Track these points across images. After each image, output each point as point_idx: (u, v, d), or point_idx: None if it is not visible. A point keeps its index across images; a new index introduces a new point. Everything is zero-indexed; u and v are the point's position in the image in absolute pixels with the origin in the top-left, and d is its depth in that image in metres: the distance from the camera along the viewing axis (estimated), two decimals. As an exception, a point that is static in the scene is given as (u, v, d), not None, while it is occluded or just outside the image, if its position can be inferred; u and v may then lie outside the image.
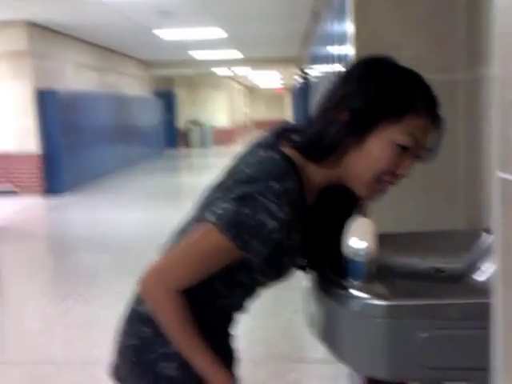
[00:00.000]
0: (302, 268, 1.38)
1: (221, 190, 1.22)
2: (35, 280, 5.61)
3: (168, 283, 1.19)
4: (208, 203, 1.24)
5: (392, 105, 1.16)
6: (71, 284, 5.33)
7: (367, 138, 1.17)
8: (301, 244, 1.27)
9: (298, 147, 1.22)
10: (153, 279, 1.21)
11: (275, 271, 1.28)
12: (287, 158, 1.19)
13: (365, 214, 1.34)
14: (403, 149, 1.17)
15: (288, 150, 1.22)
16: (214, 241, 1.16)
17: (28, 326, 4.28)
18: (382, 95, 1.17)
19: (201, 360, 1.22)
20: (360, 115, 1.17)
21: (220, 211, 1.16)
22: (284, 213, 1.14)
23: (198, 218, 1.26)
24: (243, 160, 1.25)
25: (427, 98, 1.19)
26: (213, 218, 1.16)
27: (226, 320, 1.38)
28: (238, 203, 1.14)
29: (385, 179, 1.20)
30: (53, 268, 6.32)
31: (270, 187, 1.14)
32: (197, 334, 1.21)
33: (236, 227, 1.14)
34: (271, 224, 1.13)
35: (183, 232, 1.30)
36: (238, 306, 1.37)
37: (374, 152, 1.18)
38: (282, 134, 1.27)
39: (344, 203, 1.33)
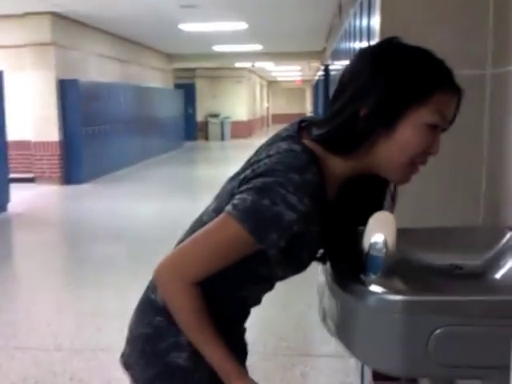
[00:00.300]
0: (322, 260, 1.35)
1: (240, 181, 1.20)
2: (49, 267, 5.66)
3: (183, 274, 1.17)
4: (227, 195, 1.22)
5: (415, 88, 1.14)
6: (84, 272, 5.36)
7: (396, 126, 1.15)
8: (321, 237, 1.25)
9: (319, 140, 1.20)
10: (168, 269, 1.18)
11: (295, 265, 1.26)
12: (308, 150, 1.17)
13: (395, 202, 1.31)
14: (434, 127, 1.17)
15: (309, 143, 1.19)
16: (231, 232, 1.14)
17: (40, 312, 4.32)
18: (403, 81, 1.14)
19: (214, 353, 1.20)
20: (385, 106, 1.14)
21: (238, 202, 1.13)
22: (304, 205, 1.11)
23: (216, 210, 1.24)
24: (263, 152, 1.23)
25: (446, 74, 1.18)
26: (230, 209, 1.14)
27: (242, 313, 1.36)
28: (257, 194, 1.12)
29: (418, 160, 1.19)
30: (67, 256, 6.37)
31: (290, 179, 1.11)
32: (211, 327, 1.19)
33: (254, 218, 1.11)
34: (290, 216, 1.11)
35: (201, 223, 1.27)
36: (255, 300, 1.35)
37: (406, 137, 1.16)
38: (303, 126, 1.25)
39: (367, 195, 1.31)
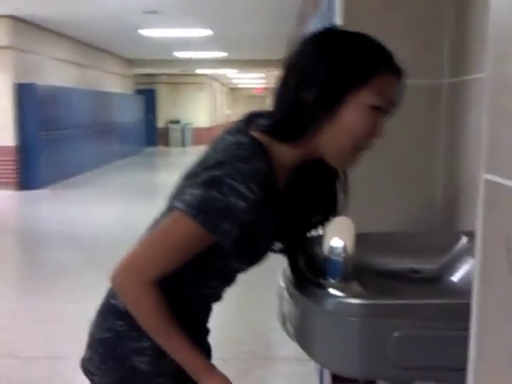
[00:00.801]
0: (281, 251, 1.36)
1: (190, 177, 1.20)
2: (3, 273, 5.51)
3: (140, 275, 1.16)
4: (178, 192, 1.22)
5: (354, 71, 1.16)
6: (39, 279, 5.25)
7: (339, 109, 1.16)
8: (276, 227, 1.25)
9: (266, 130, 1.21)
10: (124, 272, 1.18)
11: (251, 256, 1.26)
12: (256, 141, 1.18)
13: (347, 193, 1.32)
14: (377, 109, 1.18)
15: (256, 134, 1.21)
16: (184, 227, 1.14)
17: (-5, 320, 4.20)
18: (342, 64, 1.16)
19: (181, 352, 1.19)
20: (327, 90, 1.16)
21: (188, 197, 1.14)
22: (253, 193, 1.12)
23: (169, 208, 1.24)
24: (212, 147, 1.24)
25: (385, 55, 1.20)
26: (181, 205, 1.14)
27: (204, 311, 1.35)
28: (206, 187, 1.13)
29: (362, 146, 1.20)
30: (21, 263, 6.22)
31: (238, 169, 1.13)
32: (175, 326, 1.18)
33: (205, 211, 1.12)
34: (241, 205, 1.12)
35: (156, 223, 1.28)
36: (216, 296, 1.34)
37: (349, 121, 1.17)
38: (250, 119, 1.26)
39: (318, 185, 1.32)
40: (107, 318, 1.30)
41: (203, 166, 1.18)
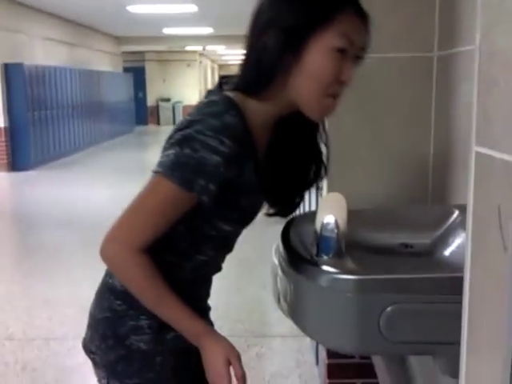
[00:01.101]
0: (276, 214, 1.34)
1: (166, 142, 1.20)
2: (-2, 256, 5.51)
3: (128, 243, 1.15)
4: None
5: (317, 10, 1.15)
6: (35, 261, 5.24)
7: (304, 53, 1.15)
8: (261, 184, 1.24)
9: (236, 87, 1.21)
10: (109, 243, 1.17)
11: (236, 215, 1.25)
12: (226, 97, 1.18)
13: (329, 148, 1.32)
14: (341, 52, 1.16)
15: (229, 93, 1.20)
16: (161, 189, 1.14)
17: (-10, 303, 4.21)
18: (305, 3, 1.16)
19: (177, 316, 1.19)
20: (289, 31, 1.15)
21: (163, 159, 1.14)
22: (227, 147, 1.11)
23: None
24: (188, 113, 1.24)
25: None
26: (157, 168, 1.14)
27: (204, 284, 1.35)
28: (178, 147, 1.13)
29: (331, 91, 1.18)
30: (16, 244, 6.21)
31: (208, 124, 1.12)
32: (168, 291, 1.18)
33: (179, 169, 1.12)
34: (214, 159, 1.11)
35: None
36: (214, 265, 1.33)
37: (314, 64, 1.16)
38: (222, 82, 1.26)
39: (300, 136, 1.30)
40: (105, 297, 1.30)
41: (176, 128, 1.18)
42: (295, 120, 1.26)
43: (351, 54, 1.17)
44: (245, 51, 1.22)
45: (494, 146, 0.79)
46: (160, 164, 1.14)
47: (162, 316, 1.20)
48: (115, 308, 1.27)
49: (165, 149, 1.18)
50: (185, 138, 1.13)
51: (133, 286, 1.19)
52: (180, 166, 1.12)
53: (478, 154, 0.85)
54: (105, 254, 1.17)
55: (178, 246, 1.23)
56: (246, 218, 1.28)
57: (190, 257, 1.26)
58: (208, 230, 1.23)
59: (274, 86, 1.18)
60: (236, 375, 1.19)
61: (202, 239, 1.25)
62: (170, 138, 1.18)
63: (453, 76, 1.88)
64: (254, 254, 4.52)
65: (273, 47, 1.15)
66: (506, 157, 0.75)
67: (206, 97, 1.23)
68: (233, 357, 1.19)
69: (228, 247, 1.33)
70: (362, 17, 1.19)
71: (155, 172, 1.14)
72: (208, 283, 1.36)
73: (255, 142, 1.20)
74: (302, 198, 1.36)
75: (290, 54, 1.15)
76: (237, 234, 1.31)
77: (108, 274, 1.31)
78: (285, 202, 1.34)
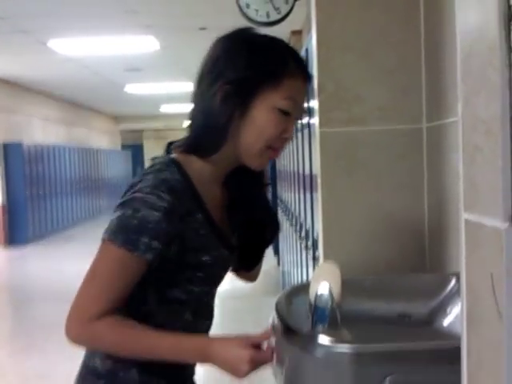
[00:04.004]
0: (237, 269, 1.35)
1: None
2: (-8, 333, 5.41)
3: (84, 318, 1.14)
4: None
5: (267, 69, 1.18)
6: (30, 336, 5.16)
7: (250, 108, 1.18)
8: (217, 238, 1.23)
9: (182, 150, 1.23)
10: (70, 322, 1.17)
11: (200, 273, 1.23)
12: (167, 158, 1.21)
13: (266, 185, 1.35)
14: (286, 113, 1.19)
15: (174, 154, 1.23)
16: (109, 255, 1.14)
17: (-17, 382, 4.10)
18: (255, 61, 1.18)
19: (170, 352, 1.15)
20: (237, 86, 1.17)
21: (108, 225, 1.16)
22: (165, 201, 1.12)
23: None
24: None
25: (297, 59, 1.22)
26: (104, 234, 1.15)
27: None
28: (120, 210, 1.14)
29: (274, 146, 1.21)
30: (11, 320, 6.12)
31: (147, 182, 1.13)
32: (149, 334, 1.15)
33: (122, 232, 1.12)
34: (155, 215, 1.11)
35: None
36: (196, 331, 1.29)
37: (259, 121, 1.18)
38: (169, 147, 1.29)
39: (249, 188, 1.32)
40: (87, 380, 1.27)
41: (121, 195, 1.20)
42: (241, 171, 1.28)
43: (295, 114, 1.22)
44: (191, 108, 1.25)
45: (482, 212, 0.80)
46: (105, 230, 1.15)
47: (161, 357, 1.16)
48: None
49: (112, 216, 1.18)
50: (126, 200, 1.14)
51: (114, 351, 1.17)
52: (123, 228, 1.12)
53: (467, 221, 0.85)
54: (69, 334, 1.16)
55: (156, 315, 1.21)
56: (213, 276, 1.27)
57: (169, 324, 1.23)
58: (178, 295, 1.21)
59: (220, 147, 1.21)
60: (265, 358, 1.15)
61: (175, 308, 1.23)
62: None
63: (443, 146, 1.92)
64: (251, 326, 4.44)
65: (220, 101, 1.17)
66: (494, 223, 0.76)
67: (151, 161, 1.26)
68: (246, 356, 1.13)
69: (207, 312, 1.30)
70: (307, 78, 1.24)
71: (102, 239, 1.15)
72: None
73: (200, 194, 1.20)
74: (263, 251, 1.37)
75: (237, 108, 1.17)
76: (210, 295, 1.29)
77: (88, 357, 1.28)
78: (247, 258, 1.35)
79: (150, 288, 1.18)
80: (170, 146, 1.29)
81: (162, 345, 1.15)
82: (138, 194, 1.13)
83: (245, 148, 1.20)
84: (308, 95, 1.27)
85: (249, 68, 1.18)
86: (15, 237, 10.74)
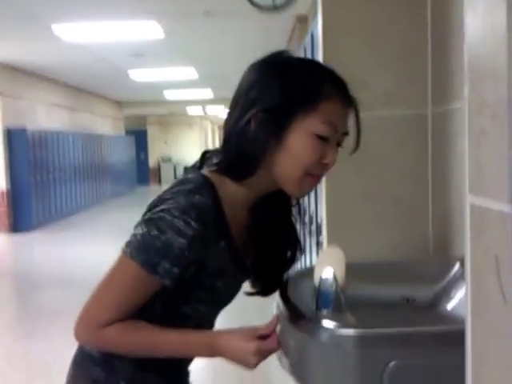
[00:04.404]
0: (258, 293, 1.33)
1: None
2: (-2, 319, 5.45)
3: (93, 324, 1.15)
4: None
5: (301, 94, 1.13)
6: (35, 322, 5.19)
7: (286, 135, 1.13)
8: (235, 264, 1.22)
9: (217, 170, 1.18)
10: (80, 326, 1.18)
11: (212, 296, 1.23)
12: (201, 176, 1.16)
13: (302, 215, 1.32)
14: (324, 139, 1.14)
15: (208, 172, 1.18)
16: (126, 270, 1.13)
17: (-11, 366, 4.14)
18: (289, 87, 1.14)
19: (177, 348, 1.17)
20: (272, 113, 1.13)
21: (131, 239, 1.14)
22: (192, 229, 1.09)
23: None
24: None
25: (335, 81, 1.17)
26: (124, 248, 1.14)
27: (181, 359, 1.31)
28: (146, 227, 1.12)
29: (314, 172, 1.17)
30: (16, 306, 6.16)
31: (177, 203, 1.10)
32: (154, 334, 1.16)
33: (145, 251, 1.11)
34: (179, 242, 1.09)
35: None
36: None
37: (296, 148, 1.14)
38: (204, 158, 1.24)
39: (279, 213, 1.29)
40: (83, 366, 1.28)
41: (149, 206, 1.17)
42: (271, 196, 1.24)
43: (335, 139, 1.16)
44: (226, 127, 1.19)
45: (488, 196, 0.80)
46: (128, 244, 1.14)
47: (170, 354, 1.17)
48: (94, 377, 1.24)
49: (136, 226, 1.16)
50: (153, 217, 1.12)
51: (123, 351, 1.18)
52: (145, 247, 1.11)
53: (472, 204, 0.86)
54: (78, 337, 1.19)
55: (158, 322, 1.20)
56: (224, 300, 1.27)
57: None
58: (185, 310, 1.22)
59: (255, 172, 1.17)
60: (272, 348, 1.16)
61: (179, 319, 1.23)
62: (144, 214, 1.17)
63: (448, 132, 1.91)
64: (255, 311, 4.46)
65: (254, 129, 1.13)
66: (499, 206, 0.76)
67: (184, 173, 1.22)
68: (252, 348, 1.14)
69: (207, 325, 1.31)
70: (347, 101, 1.17)
71: (122, 252, 1.14)
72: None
73: (228, 222, 1.18)
74: (281, 278, 1.34)
75: (272, 136, 1.13)
76: (215, 313, 1.30)
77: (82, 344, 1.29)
78: (265, 282, 1.32)
79: (158, 300, 1.18)
80: (204, 156, 1.25)
81: (171, 343, 1.16)
82: (166, 216, 1.10)
83: (283, 175, 1.16)
84: (357, 120, 1.18)
85: (283, 95, 1.13)
86: (19, 223, 10.75)
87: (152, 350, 1.17)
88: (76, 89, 14.44)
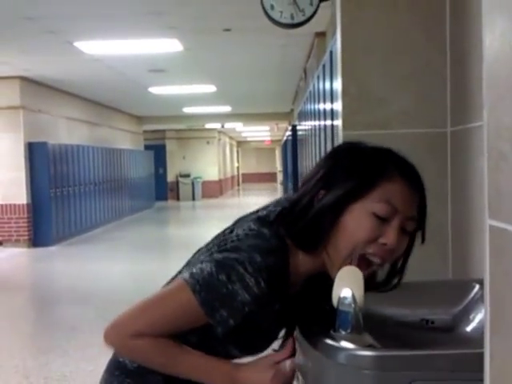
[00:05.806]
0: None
1: (205, 252, 1.20)
2: (16, 331, 5.50)
3: (124, 329, 1.16)
4: (191, 263, 1.22)
5: (362, 176, 1.14)
6: (52, 336, 5.21)
7: (343, 214, 1.14)
8: (278, 324, 1.25)
9: (291, 236, 1.18)
10: (111, 330, 1.18)
11: (248, 344, 1.24)
12: (279, 236, 1.16)
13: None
14: (382, 219, 1.13)
15: (286, 237, 1.18)
16: (183, 299, 1.13)
17: (7, 378, 4.15)
18: (351, 172, 1.15)
19: (201, 372, 1.18)
20: (332, 196, 1.14)
21: (196, 271, 1.13)
22: (260, 289, 1.11)
23: (176, 276, 1.24)
24: (236, 228, 1.22)
25: (397, 162, 1.17)
26: (187, 277, 1.13)
27: None
28: (216, 268, 1.12)
29: (368, 251, 1.14)
30: (34, 320, 6.19)
31: (252, 259, 1.11)
32: (181, 354, 1.17)
33: (208, 291, 1.11)
34: (244, 297, 1.10)
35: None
36: None
37: (350, 226, 1.14)
38: (281, 214, 1.22)
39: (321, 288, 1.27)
40: (115, 376, 1.28)
41: (219, 245, 1.17)
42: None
43: (397, 220, 1.14)
44: (301, 192, 1.21)
45: (507, 220, 0.80)
46: (192, 275, 1.13)
47: (188, 375, 1.18)
48: None
49: (201, 259, 1.17)
50: (226, 262, 1.12)
51: (147, 363, 1.19)
52: (210, 288, 1.11)
53: (491, 227, 0.85)
54: (105, 340, 1.18)
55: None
56: (257, 351, 1.28)
57: None
58: (218, 350, 1.22)
59: (321, 245, 1.18)
60: (287, 374, 1.19)
61: (209, 352, 1.22)
62: (210, 252, 1.18)
63: (467, 150, 1.90)
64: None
65: (317, 205, 1.15)
66: (519, 230, 0.76)
67: (257, 220, 1.20)
68: (269, 376, 1.17)
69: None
70: (410, 183, 1.16)
71: (184, 279, 1.14)
72: None
73: (290, 289, 1.19)
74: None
75: (329, 214, 1.14)
76: (242, 357, 1.30)
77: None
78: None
79: (196, 333, 1.19)
80: (282, 212, 1.21)
81: (195, 365, 1.18)
82: (239, 268, 1.10)
83: (333, 252, 1.16)
84: (423, 206, 1.20)
85: (347, 179, 1.14)
86: (39, 237, 10.83)
87: (173, 366, 1.18)
88: (96, 103, 14.61)
